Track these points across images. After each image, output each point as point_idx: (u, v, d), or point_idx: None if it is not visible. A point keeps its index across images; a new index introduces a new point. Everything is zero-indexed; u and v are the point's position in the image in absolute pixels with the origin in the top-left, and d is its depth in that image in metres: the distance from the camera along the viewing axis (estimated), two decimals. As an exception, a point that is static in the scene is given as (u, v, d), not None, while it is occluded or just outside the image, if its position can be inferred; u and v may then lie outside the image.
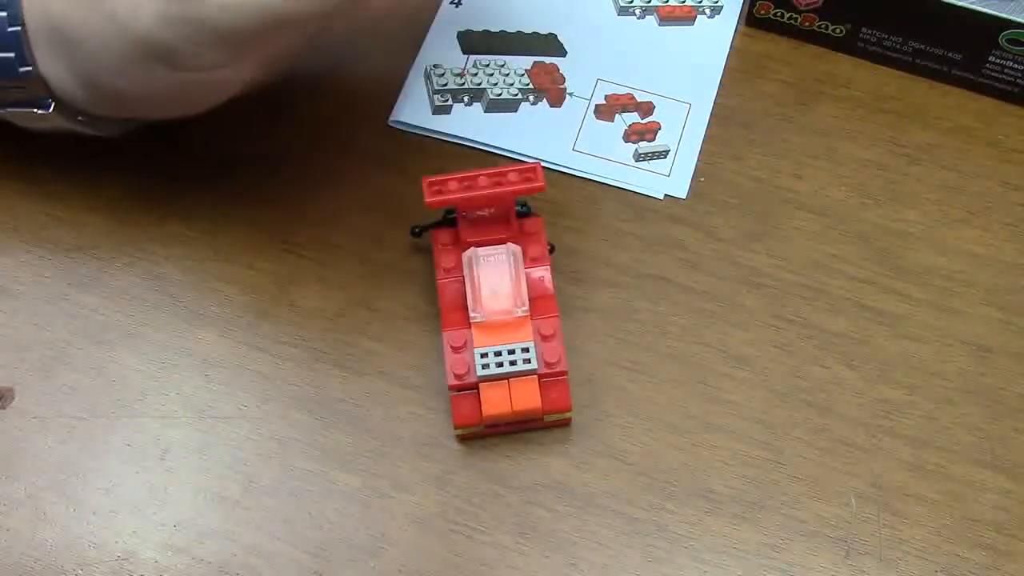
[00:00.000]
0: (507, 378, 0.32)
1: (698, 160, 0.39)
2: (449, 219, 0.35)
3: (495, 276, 0.33)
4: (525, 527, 0.33)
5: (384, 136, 0.39)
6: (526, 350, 0.32)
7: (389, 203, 0.37)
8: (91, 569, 0.32)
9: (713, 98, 0.41)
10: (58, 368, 0.34)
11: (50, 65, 0.32)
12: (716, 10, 0.43)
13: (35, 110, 0.33)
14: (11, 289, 0.36)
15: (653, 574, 0.32)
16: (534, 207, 0.36)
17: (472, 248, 0.33)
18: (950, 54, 0.40)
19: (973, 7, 0.38)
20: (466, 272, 0.33)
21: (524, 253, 0.34)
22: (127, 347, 0.35)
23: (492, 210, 0.34)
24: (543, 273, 0.34)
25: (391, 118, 0.39)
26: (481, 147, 0.39)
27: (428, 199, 0.32)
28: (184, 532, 0.32)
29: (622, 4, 0.43)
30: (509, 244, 0.33)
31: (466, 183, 0.33)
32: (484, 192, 0.33)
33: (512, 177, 0.33)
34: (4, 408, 0.34)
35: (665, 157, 0.39)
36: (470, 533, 0.32)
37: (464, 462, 0.33)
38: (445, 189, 0.33)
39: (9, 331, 0.35)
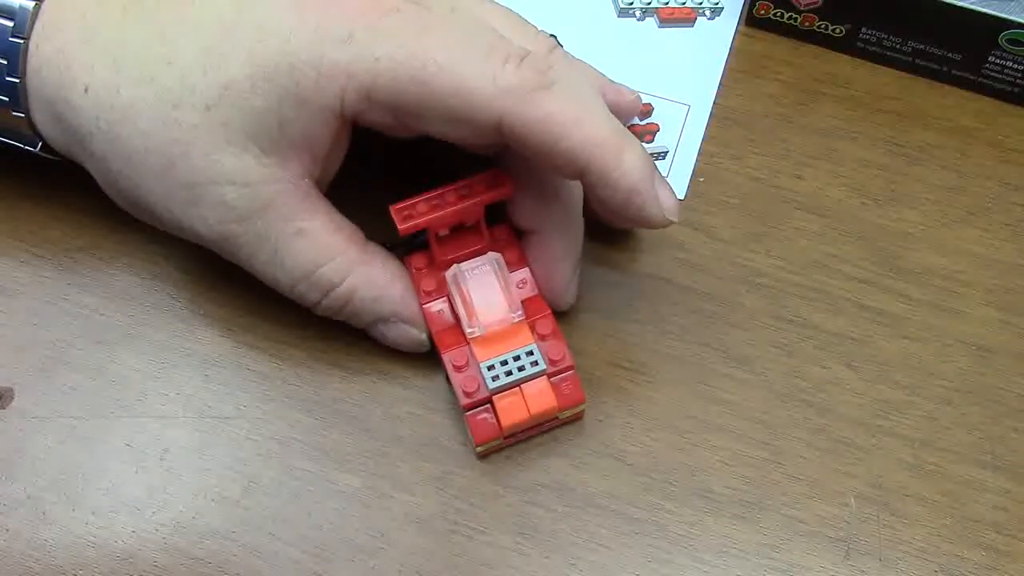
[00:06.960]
0: (518, 384, 0.32)
1: (697, 160, 0.39)
2: (418, 243, 0.34)
3: (484, 287, 0.32)
4: (525, 527, 0.33)
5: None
6: (530, 353, 0.32)
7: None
8: (91, 569, 0.32)
9: (712, 99, 0.41)
10: (58, 368, 0.34)
11: (52, 134, 0.32)
12: (716, 11, 0.43)
13: (21, 145, 0.32)
14: (11, 289, 0.36)
15: (653, 574, 0.32)
16: None
17: (454, 265, 0.33)
18: (950, 54, 0.40)
19: (973, 7, 0.38)
20: (453, 290, 0.33)
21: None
22: (127, 347, 0.35)
23: (469, 223, 0.33)
24: (524, 275, 0.34)
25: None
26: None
27: (401, 227, 0.31)
28: (184, 532, 0.32)
29: (622, 6, 0.43)
30: (490, 253, 0.33)
31: (434, 202, 0.32)
32: (454, 208, 0.32)
33: (479, 187, 0.32)
34: (4, 408, 0.34)
35: (663, 158, 0.39)
36: (470, 533, 0.32)
37: (464, 462, 0.33)
38: (415, 213, 0.32)
39: (9, 331, 0.35)
